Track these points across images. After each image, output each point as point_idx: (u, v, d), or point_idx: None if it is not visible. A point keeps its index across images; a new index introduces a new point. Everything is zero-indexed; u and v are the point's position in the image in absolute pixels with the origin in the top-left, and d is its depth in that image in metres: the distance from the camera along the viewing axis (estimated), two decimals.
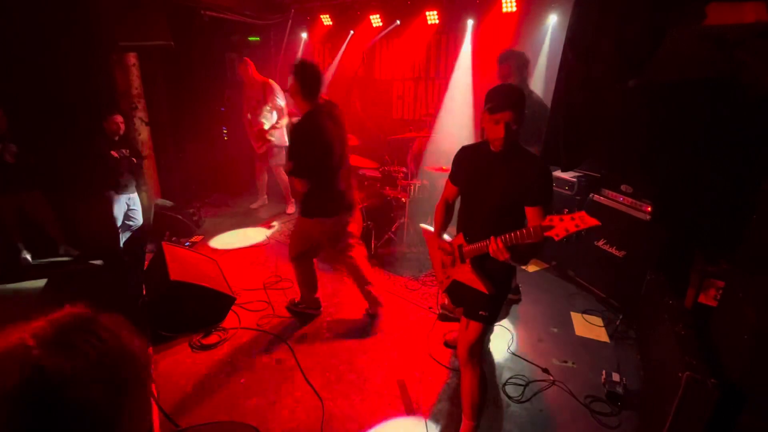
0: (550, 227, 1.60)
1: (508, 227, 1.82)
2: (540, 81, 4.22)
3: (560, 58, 2.85)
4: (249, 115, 5.09)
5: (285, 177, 5.09)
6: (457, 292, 2.19)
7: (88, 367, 0.57)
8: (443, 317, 3.30)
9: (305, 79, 2.63)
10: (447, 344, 2.91)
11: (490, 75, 4.74)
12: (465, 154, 2.07)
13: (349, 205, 2.91)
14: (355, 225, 3.05)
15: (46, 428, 0.54)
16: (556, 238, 1.60)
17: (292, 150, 2.75)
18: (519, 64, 3.10)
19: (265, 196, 5.58)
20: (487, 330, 2.03)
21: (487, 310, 1.99)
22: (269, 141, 4.97)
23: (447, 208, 2.23)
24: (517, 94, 1.79)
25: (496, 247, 1.76)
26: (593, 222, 1.54)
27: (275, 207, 5.54)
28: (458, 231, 2.09)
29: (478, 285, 1.96)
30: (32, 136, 3.75)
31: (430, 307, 3.37)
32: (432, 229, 2.31)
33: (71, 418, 0.55)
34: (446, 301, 3.45)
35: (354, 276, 3.11)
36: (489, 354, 2.83)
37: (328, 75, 6.15)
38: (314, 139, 2.64)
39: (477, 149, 2.01)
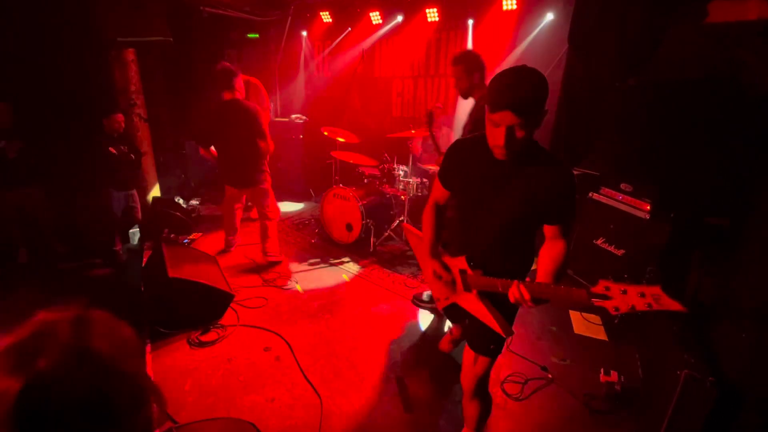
0: (606, 297, 1.19)
1: (520, 248, 1.57)
2: None
3: (557, 56, 2.84)
4: None
5: None
6: (457, 312, 1.83)
7: (111, 344, 0.62)
8: (416, 303, 3.33)
9: (216, 77, 3.49)
10: (440, 350, 2.79)
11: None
12: (461, 152, 1.61)
13: (234, 182, 3.76)
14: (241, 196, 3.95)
15: (97, 400, 0.59)
16: (613, 312, 1.19)
17: None
18: (469, 68, 2.75)
19: None
20: (494, 360, 1.77)
21: (496, 343, 1.71)
22: None
23: (438, 212, 1.82)
24: (527, 84, 1.28)
25: (519, 295, 1.38)
26: (675, 306, 1.11)
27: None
28: (455, 246, 1.75)
29: (491, 323, 1.58)
30: (31, 134, 3.74)
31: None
32: (417, 231, 1.96)
33: (115, 388, 0.60)
34: (420, 293, 3.44)
35: (262, 234, 3.90)
36: None
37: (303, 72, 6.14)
38: (202, 119, 3.68)
39: (477, 147, 1.52)
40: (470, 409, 1.93)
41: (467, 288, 1.66)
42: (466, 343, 1.82)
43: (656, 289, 1.13)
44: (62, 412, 0.56)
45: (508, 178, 1.47)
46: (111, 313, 0.70)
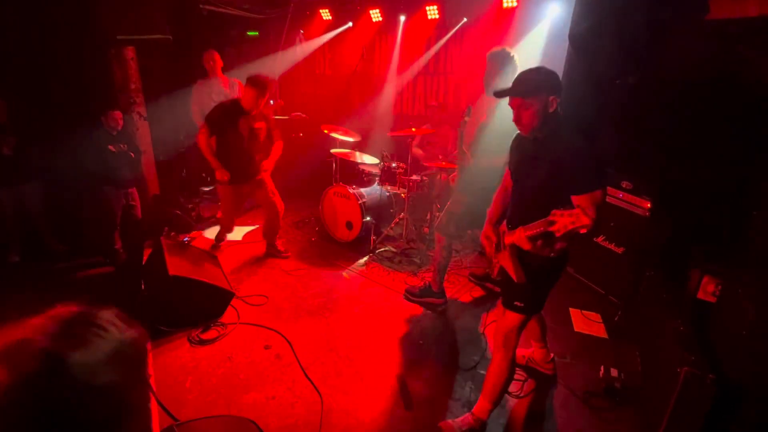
0: (553, 222, 1.53)
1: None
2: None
3: (557, 52, 2.83)
4: None
5: None
6: (503, 278, 2.13)
7: (97, 354, 0.60)
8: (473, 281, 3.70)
9: None
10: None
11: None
12: (515, 140, 2.04)
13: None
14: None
15: (63, 413, 0.56)
16: (558, 234, 1.53)
17: None
18: (504, 63, 2.89)
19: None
20: (524, 320, 2.00)
21: (523, 301, 1.95)
22: None
23: (504, 195, 2.16)
24: (535, 75, 1.74)
25: (517, 236, 1.76)
26: (585, 221, 1.46)
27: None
28: (506, 218, 2.06)
29: (511, 272, 1.92)
30: (29, 131, 3.73)
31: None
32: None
33: (86, 403, 0.58)
34: (476, 271, 3.78)
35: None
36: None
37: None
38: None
39: (520, 135, 1.97)
40: (493, 366, 2.09)
41: (503, 245, 1.99)
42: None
43: (578, 211, 1.49)
44: (69, 399, 0.57)
45: (536, 158, 1.83)
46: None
